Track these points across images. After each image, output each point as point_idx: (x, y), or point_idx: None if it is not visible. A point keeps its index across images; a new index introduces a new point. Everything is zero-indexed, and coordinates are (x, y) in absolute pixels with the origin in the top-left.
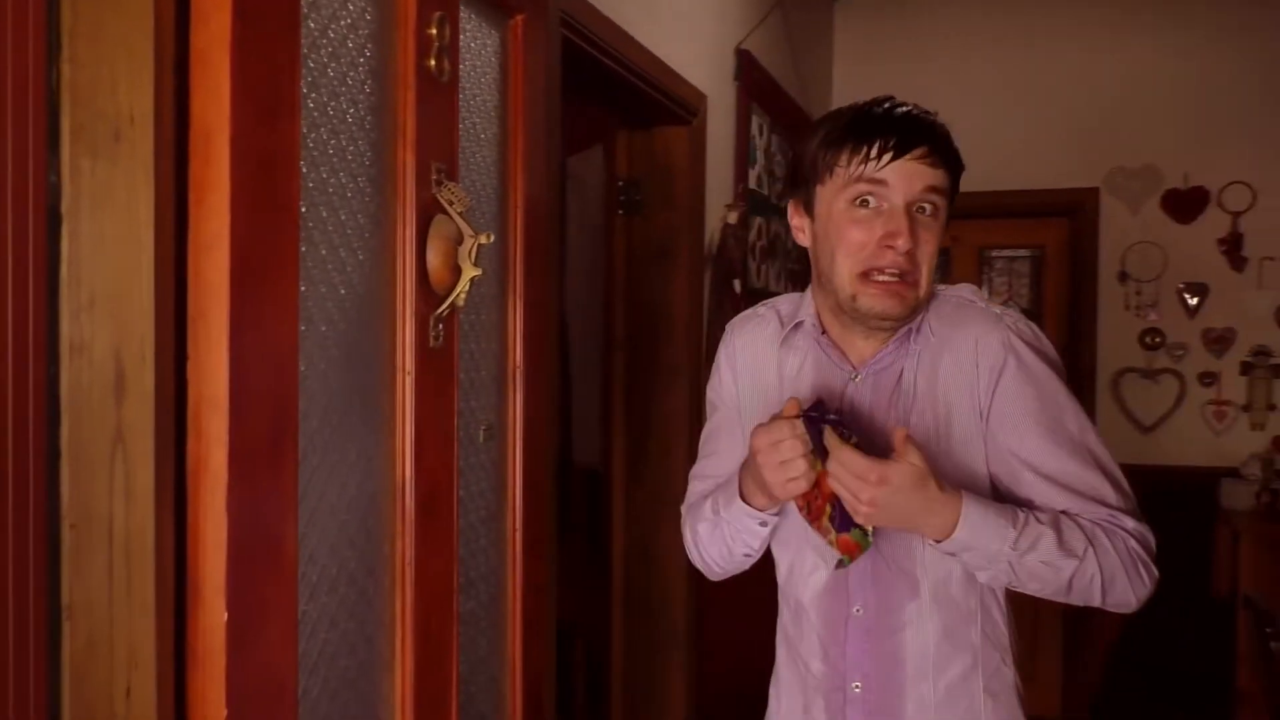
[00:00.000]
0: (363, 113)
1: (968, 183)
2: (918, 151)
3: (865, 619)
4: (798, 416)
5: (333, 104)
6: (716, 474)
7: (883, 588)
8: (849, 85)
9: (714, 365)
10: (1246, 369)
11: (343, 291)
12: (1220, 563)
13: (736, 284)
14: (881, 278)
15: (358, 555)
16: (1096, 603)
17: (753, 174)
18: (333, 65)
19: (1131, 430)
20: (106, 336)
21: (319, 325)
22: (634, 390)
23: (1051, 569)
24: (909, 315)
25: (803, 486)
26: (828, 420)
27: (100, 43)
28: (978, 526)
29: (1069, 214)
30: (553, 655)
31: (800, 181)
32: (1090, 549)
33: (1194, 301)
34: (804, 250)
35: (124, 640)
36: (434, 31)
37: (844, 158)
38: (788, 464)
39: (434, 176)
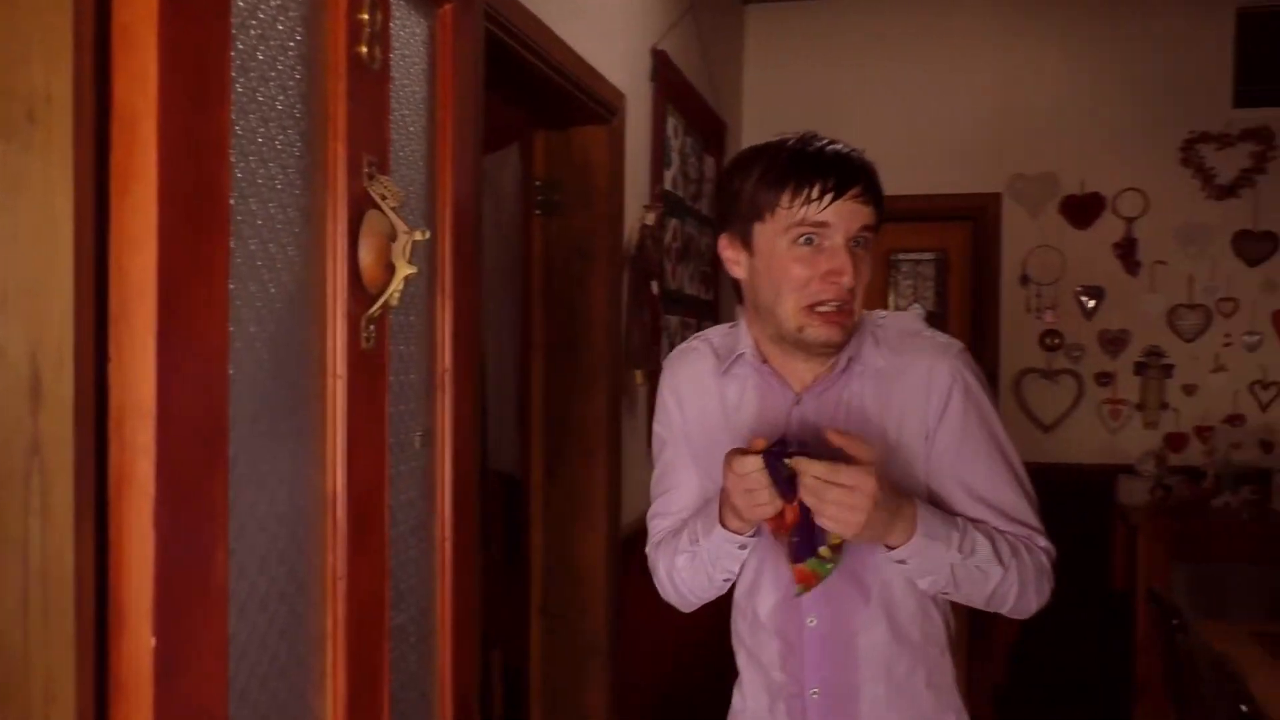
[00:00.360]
0: (293, 100)
1: None
2: (854, 191)
3: (820, 629)
4: (760, 453)
5: (262, 90)
6: (678, 508)
7: (835, 599)
8: (759, 89)
9: (658, 401)
10: (1140, 369)
11: (272, 290)
12: (1118, 557)
13: (654, 285)
14: (824, 309)
15: (288, 570)
16: (1005, 610)
17: (668, 175)
18: (262, 48)
19: (1033, 429)
20: (20, 339)
21: (248, 326)
22: (552, 393)
23: (983, 575)
24: (847, 340)
25: (769, 512)
26: (791, 453)
27: (13, 10)
28: (933, 530)
29: (972, 219)
30: (479, 668)
31: (735, 217)
32: (1014, 560)
33: (1091, 304)
34: (718, 255)
35: (40, 673)
36: (365, 17)
37: (785, 199)
38: (754, 493)
39: (365, 169)
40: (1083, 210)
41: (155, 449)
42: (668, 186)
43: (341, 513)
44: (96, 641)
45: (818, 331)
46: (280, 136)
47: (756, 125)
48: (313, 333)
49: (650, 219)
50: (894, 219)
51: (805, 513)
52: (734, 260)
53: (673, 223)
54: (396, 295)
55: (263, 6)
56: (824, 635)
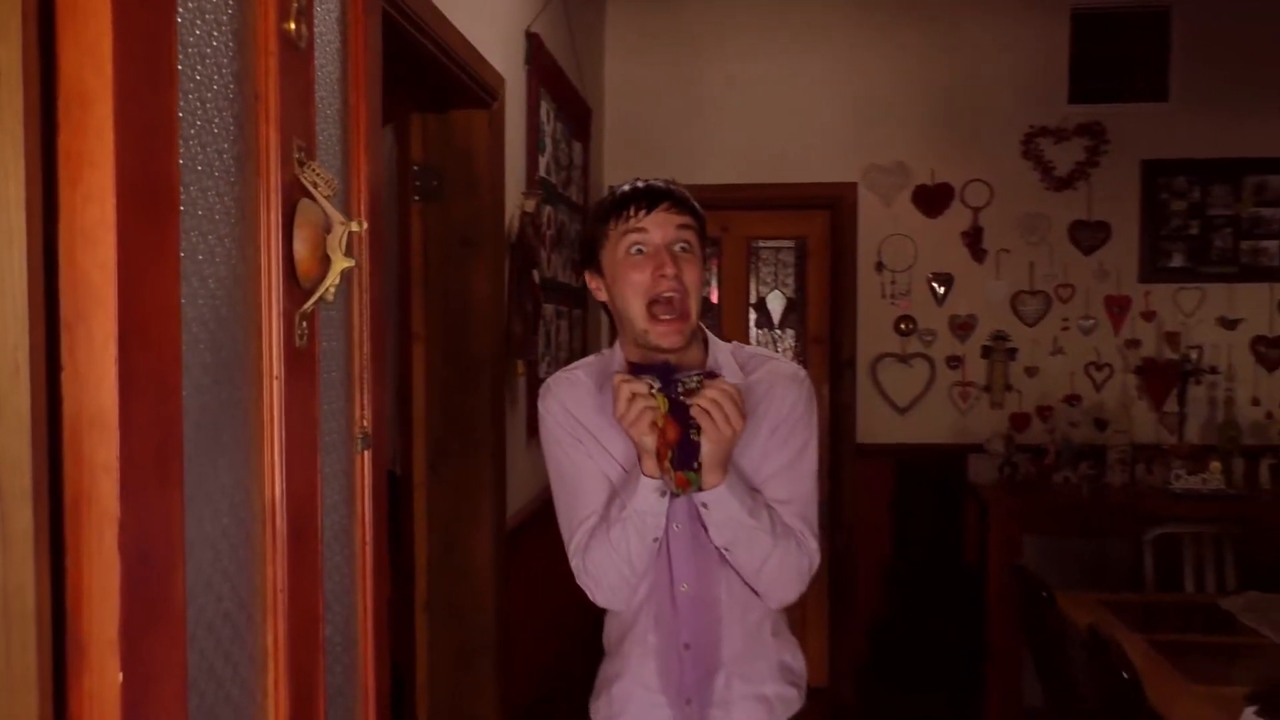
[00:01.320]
0: (226, 80)
1: (738, 175)
2: (663, 205)
3: (691, 592)
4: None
5: (199, 68)
6: (597, 504)
7: (699, 565)
8: (619, 78)
9: (549, 421)
10: (987, 352)
11: (212, 285)
12: (969, 533)
13: (535, 274)
14: (665, 315)
15: (231, 587)
16: (764, 588)
17: (543, 161)
18: (199, 21)
19: (889, 411)
20: None
21: (192, 326)
22: (434, 386)
23: (760, 541)
24: (686, 343)
25: (649, 416)
26: (678, 377)
27: None
28: (735, 487)
29: (830, 207)
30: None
31: (588, 252)
32: (784, 541)
33: (942, 290)
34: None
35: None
36: None
37: (613, 222)
38: (638, 404)
39: (296, 155)
40: (933, 200)
41: (119, 466)
42: (542, 173)
43: (281, 523)
44: (55, 680)
45: (658, 336)
46: (217, 119)
47: (619, 114)
48: (250, 331)
49: (530, 206)
50: (755, 207)
51: (684, 434)
52: (596, 288)
53: (547, 210)
54: (332, 290)
55: None
56: (695, 597)
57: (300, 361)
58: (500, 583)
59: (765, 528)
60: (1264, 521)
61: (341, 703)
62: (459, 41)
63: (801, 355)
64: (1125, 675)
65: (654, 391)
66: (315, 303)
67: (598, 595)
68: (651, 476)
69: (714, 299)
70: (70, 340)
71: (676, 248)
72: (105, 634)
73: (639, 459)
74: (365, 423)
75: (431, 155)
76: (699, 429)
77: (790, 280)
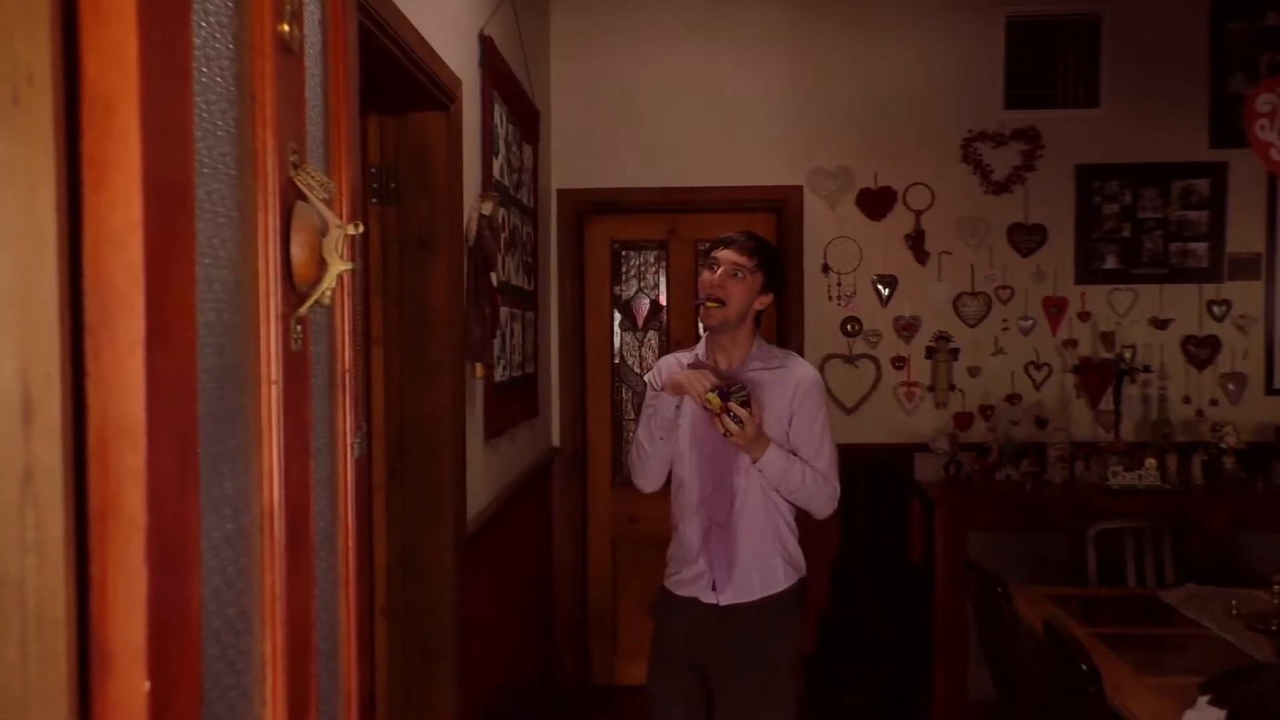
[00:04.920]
0: (228, 82)
1: (684, 178)
2: (727, 247)
3: (714, 491)
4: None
5: (204, 70)
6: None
7: (716, 476)
8: (565, 82)
9: (655, 373)
10: (930, 353)
11: (217, 288)
12: (914, 531)
13: (494, 276)
14: (709, 304)
15: (235, 595)
16: (803, 504)
17: (496, 164)
18: (204, 24)
19: (836, 412)
20: (11, 355)
21: (200, 330)
22: (392, 388)
23: (794, 482)
24: (721, 327)
25: (698, 388)
26: (732, 391)
27: None
28: (775, 455)
29: (776, 210)
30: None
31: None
32: (811, 483)
33: (886, 292)
34: (535, 245)
35: None
36: None
37: (717, 247)
38: (698, 384)
39: (291, 159)
40: (877, 203)
41: (146, 474)
42: (496, 175)
43: (279, 529)
44: (80, 689)
45: (702, 318)
46: (220, 122)
47: (565, 117)
48: (248, 336)
49: (487, 209)
50: (701, 209)
51: (726, 410)
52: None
53: (501, 212)
54: (328, 293)
55: None
56: (716, 494)
57: (295, 366)
58: (460, 586)
59: (797, 475)
60: (1198, 516)
61: (328, 709)
62: (418, 43)
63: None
64: (1085, 667)
65: (710, 393)
66: (312, 306)
67: (635, 480)
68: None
69: (662, 300)
70: (95, 345)
71: (734, 274)
72: (132, 643)
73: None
74: (347, 424)
75: (389, 157)
76: (741, 394)
77: None
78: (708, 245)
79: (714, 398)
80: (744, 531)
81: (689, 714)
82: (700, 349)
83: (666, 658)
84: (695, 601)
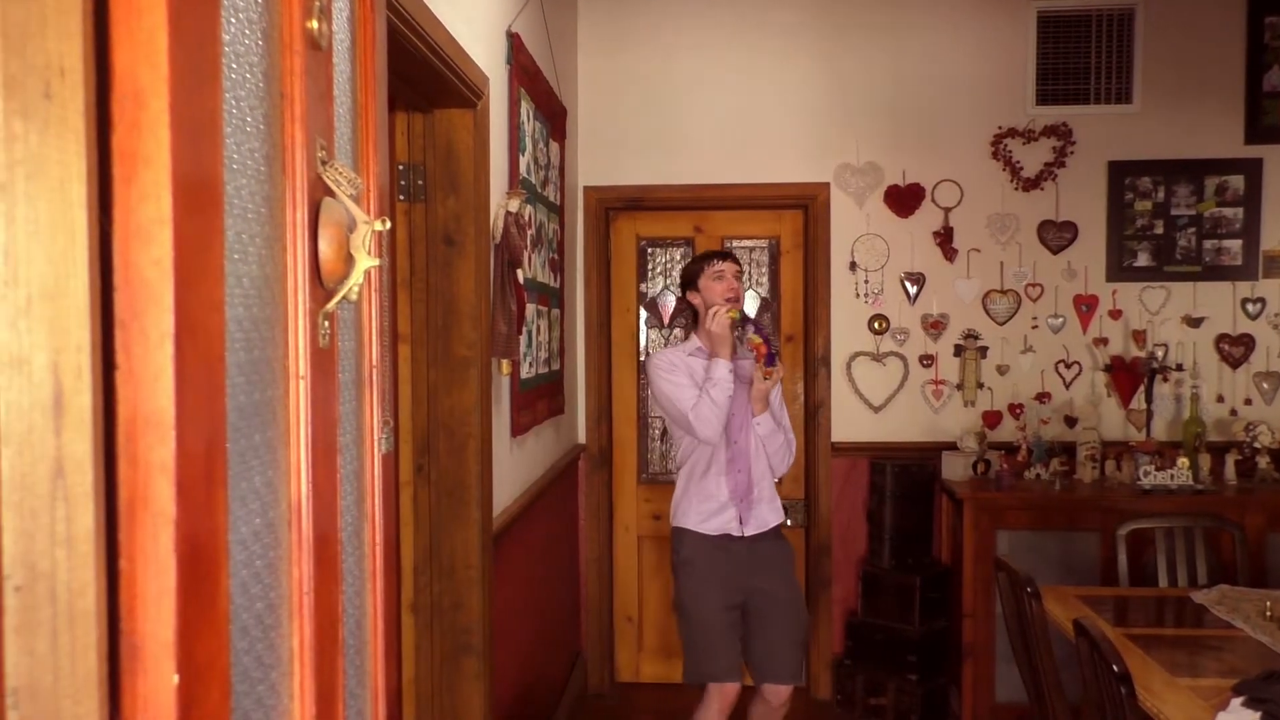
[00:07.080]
0: (257, 78)
1: (711, 176)
2: (724, 260)
3: (740, 443)
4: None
5: (234, 65)
6: (689, 398)
7: (742, 433)
8: (592, 79)
9: (654, 367)
10: (958, 351)
11: (246, 284)
12: (942, 530)
13: (520, 273)
14: (729, 300)
15: (262, 589)
16: (773, 460)
17: (523, 161)
18: (233, 20)
19: (864, 410)
20: (44, 347)
21: (229, 324)
22: (419, 385)
23: (778, 438)
24: (735, 324)
25: (727, 320)
26: (756, 323)
27: None
28: (770, 416)
29: (803, 207)
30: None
31: (689, 281)
32: (788, 438)
33: (914, 290)
34: (562, 242)
35: None
36: None
37: (707, 265)
38: (722, 319)
39: (319, 155)
40: (905, 200)
41: (175, 467)
42: (523, 173)
43: (307, 524)
44: (110, 681)
45: (726, 320)
46: (249, 117)
47: (592, 114)
48: (276, 331)
49: (514, 205)
50: (728, 206)
51: (769, 350)
52: (695, 299)
53: (528, 209)
54: (355, 289)
55: None
56: (742, 446)
57: (322, 361)
58: (487, 582)
59: (781, 433)
60: (1231, 516)
61: (355, 705)
62: (446, 40)
63: None
64: (1116, 668)
65: (741, 316)
66: (340, 302)
67: (702, 431)
68: (723, 359)
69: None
70: (125, 338)
71: (735, 277)
72: (161, 636)
73: (712, 357)
74: (374, 421)
75: (416, 154)
76: (777, 349)
77: (764, 279)
78: (702, 261)
79: (736, 313)
80: (756, 477)
81: (734, 631)
82: (694, 343)
83: (709, 586)
84: (727, 537)
